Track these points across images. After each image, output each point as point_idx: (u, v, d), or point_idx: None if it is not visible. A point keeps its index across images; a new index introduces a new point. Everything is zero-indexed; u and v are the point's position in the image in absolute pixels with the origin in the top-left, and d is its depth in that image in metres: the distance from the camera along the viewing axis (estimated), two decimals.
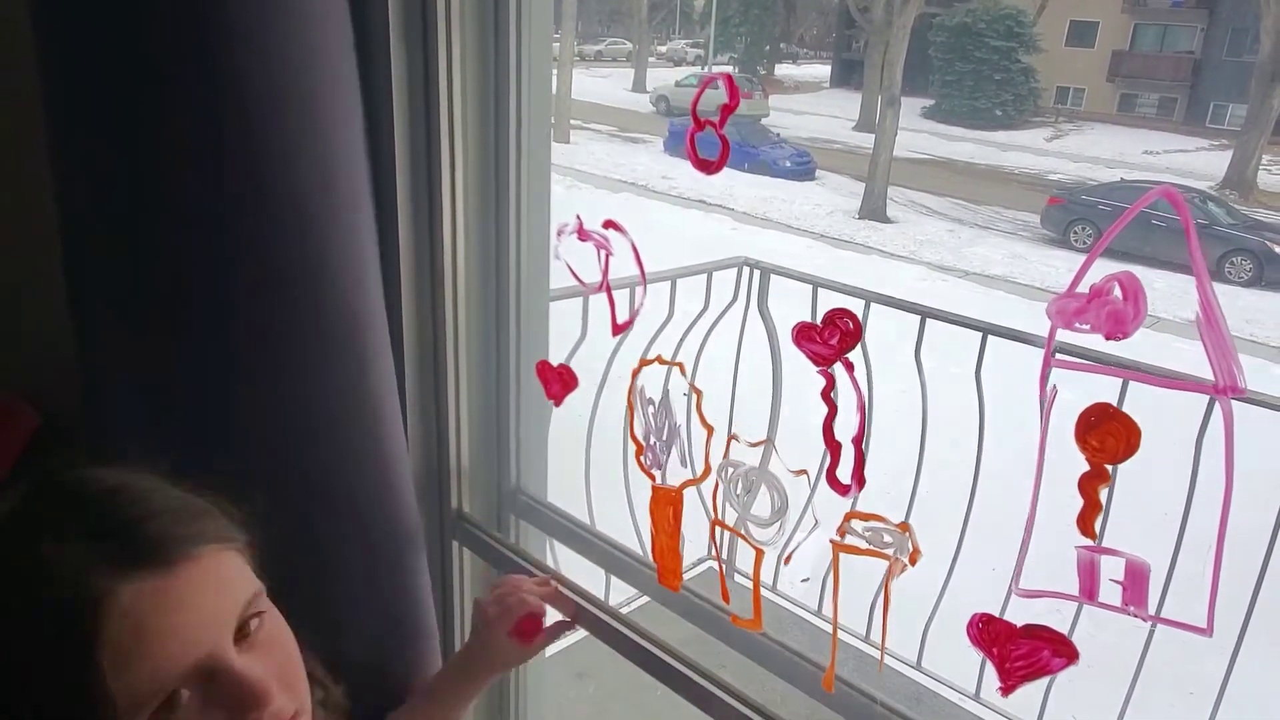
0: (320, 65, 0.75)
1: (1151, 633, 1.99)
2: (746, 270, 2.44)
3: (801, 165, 12.57)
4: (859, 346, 0.65)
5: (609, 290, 0.78)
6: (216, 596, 0.54)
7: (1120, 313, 0.52)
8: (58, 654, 0.50)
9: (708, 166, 0.69)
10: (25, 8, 0.78)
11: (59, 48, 0.79)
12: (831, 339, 0.65)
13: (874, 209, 10.88)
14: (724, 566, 0.94)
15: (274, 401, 0.82)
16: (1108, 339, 0.53)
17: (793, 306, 2.37)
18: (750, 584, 0.78)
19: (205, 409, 0.83)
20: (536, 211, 0.97)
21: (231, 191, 0.75)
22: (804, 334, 0.66)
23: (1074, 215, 10.11)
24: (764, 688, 0.85)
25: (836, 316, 0.65)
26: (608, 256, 0.78)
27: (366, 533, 0.91)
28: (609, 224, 0.77)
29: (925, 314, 2.12)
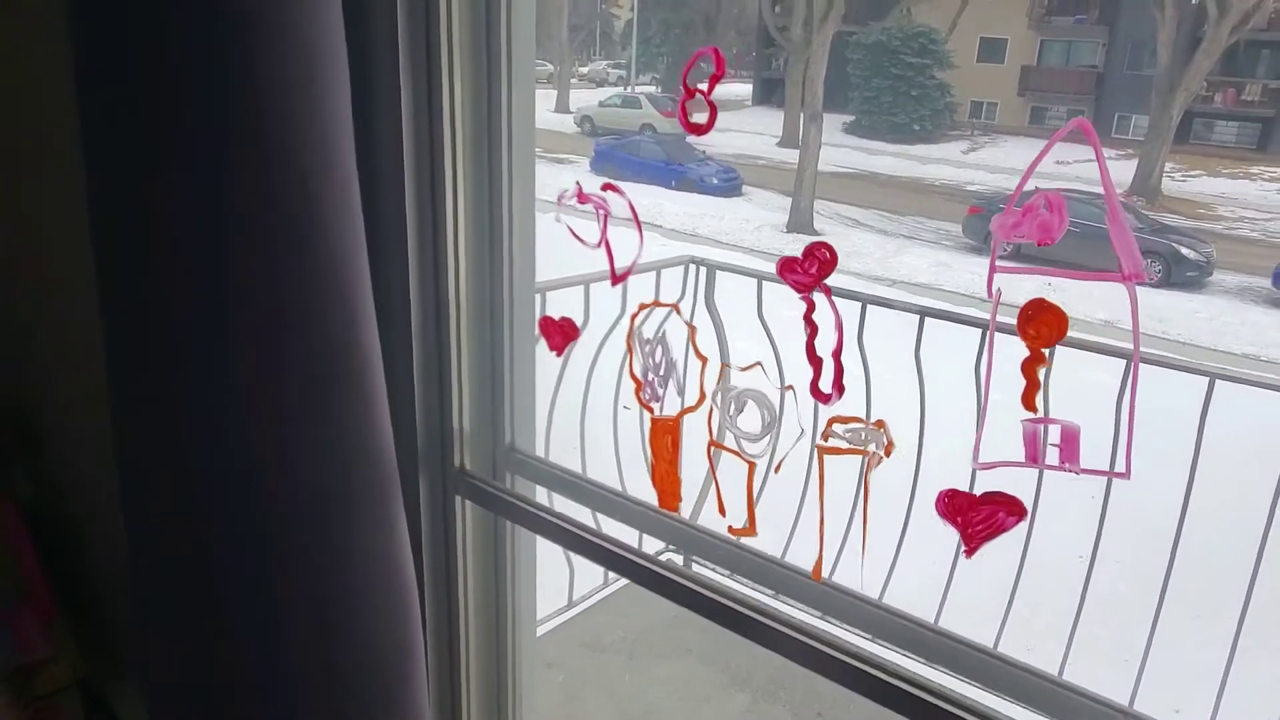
0: (321, 61, 0.83)
1: (1081, 606, 2.16)
2: (693, 267, 2.56)
3: (728, 181, 12.83)
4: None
5: (608, 246, 0.89)
6: None
7: (1047, 222, 0.64)
8: None
9: (699, 129, 0.80)
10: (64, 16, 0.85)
11: (92, 52, 0.86)
12: (811, 268, 0.77)
13: (801, 222, 11.19)
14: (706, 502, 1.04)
15: (266, 367, 0.89)
16: (1040, 245, 0.65)
17: (735, 303, 2.52)
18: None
19: (207, 374, 0.90)
20: (524, 201, 1.06)
21: (239, 174, 0.82)
22: (786, 266, 0.78)
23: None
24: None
25: (815, 249, 0.76)
26: (605, 216, 0.89)
27: (350, 486, 0.98)
28: (607, 186, 0.88)
29: (866, 300, 2.28)
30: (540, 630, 2.33)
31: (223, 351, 0.89)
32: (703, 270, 2.54)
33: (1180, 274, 8.69)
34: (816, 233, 11.08)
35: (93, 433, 1.10)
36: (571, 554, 2.50)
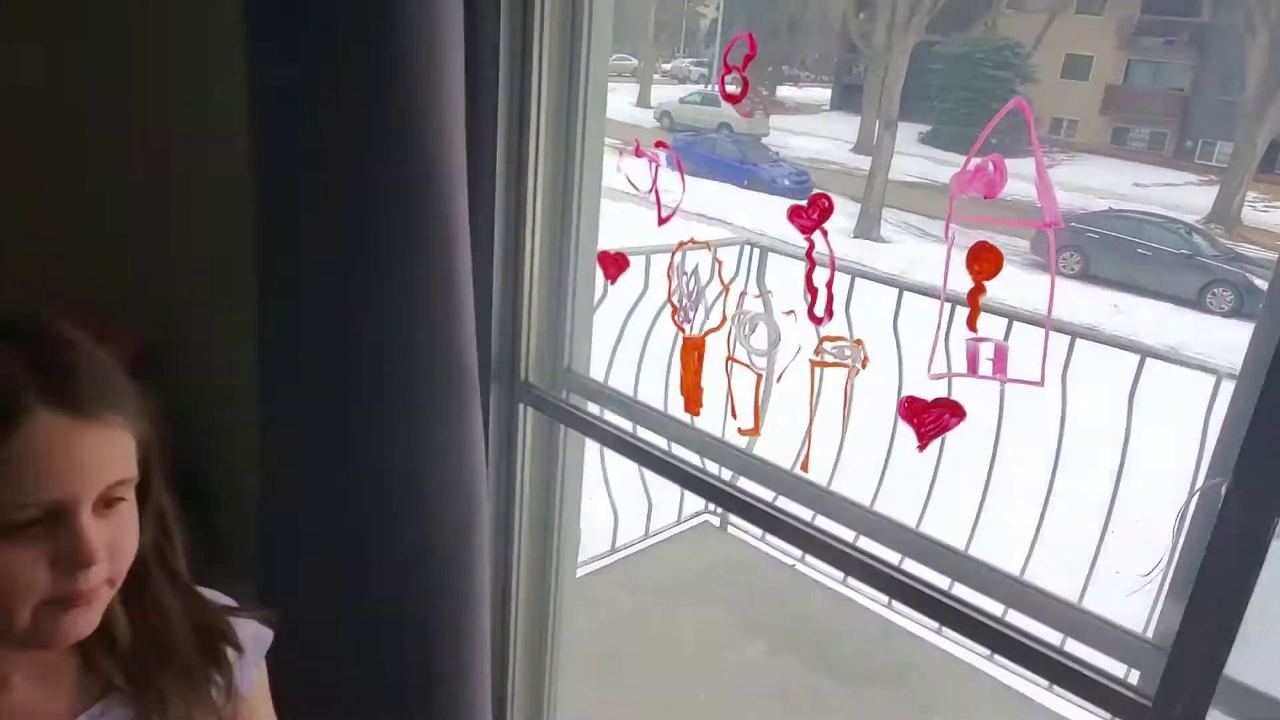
0: (446, 59, 1.06)
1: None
2: (748, 249, 2.76)
3: (799, 184, 12.92)
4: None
5: (657, 193, 1.10)
6: (101, 461, 0.61)
7: (991, 180, 0.84)
8: None
9: (733, 98, 1.01)
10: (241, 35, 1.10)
11: (265, 57, 1.10)
12: (813, 214, 0.97)
13: (868, 229, 11.24)
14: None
15: (385, 284, 1.13)
16: (986, 198, 0.84)
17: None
18: None
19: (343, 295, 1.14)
20: (592, 163, 1.29)
21: (379, 141, 1.05)
22: (795, 212, 0.98)
23: (1063, 242, 10.48)
24: None
25: (818, 198, 0.97)
26: (656, 168, 1.10)
27: (439, 386, 1.20)
28: (659, 144, 1.09)
29: (903, 287, 2.46)
30: (583, 571, 2.56)
31: (359, 269, 1.13)
32: (756, 251, 2.74)
33: (1253, 304, 8.54)
34: (883, 239, 11.11)
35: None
36: (616, 504, 2.73)
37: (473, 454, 1.25)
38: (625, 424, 1.31)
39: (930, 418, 0.92)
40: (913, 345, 2.39)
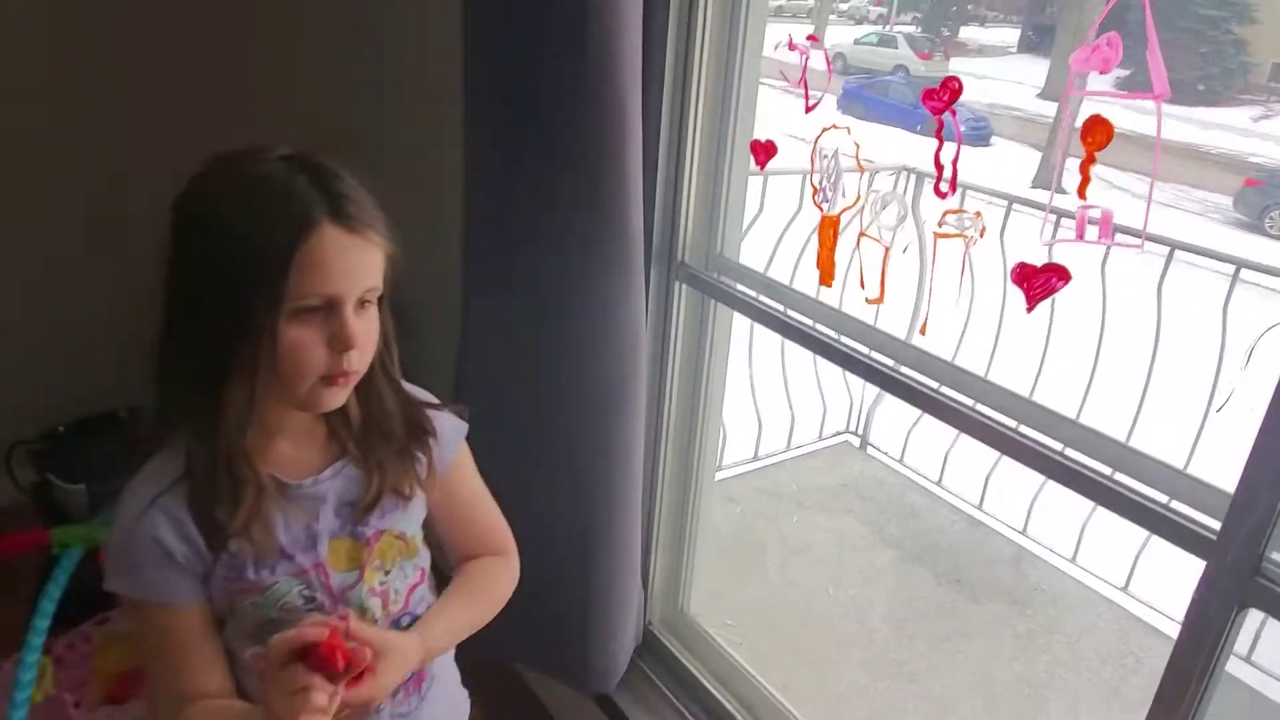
0: None
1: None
2: (905, 174, 2.81)
3: (977, 130, 12.31)
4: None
5: (805, 83, 1.23)
6: (363, 268, 0.78)
7: (1107, 56, 0.92)
8: (277, 242, 0.74)
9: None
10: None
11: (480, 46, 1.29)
12: (944, 96, 1.08)
13: (1049, 178, 10.65)
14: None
15: (567, 168, 1.32)
16: (1101, 73, 0.93)
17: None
18: None
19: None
20: (750, 76, 1.42)
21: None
22: (928, 95, 1.09)
23: (1272, 200, 9.56)
24: None
25: (949, 81, 1.07)
26: (806, 59, 1.23)
27: (612, 261, 1.39)
28: (810, 38, 1.22)
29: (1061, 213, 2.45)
30: (724, 475, 2.75)
31: (547, 158, 1.32)
32: (913, 177, 2.79)
33: None
34: (1063, 191, 10.52)
35: None
36: (759, 410, 2.88)
37: (635, 324, 1.43)
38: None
39: (1039, 281, 1.03)
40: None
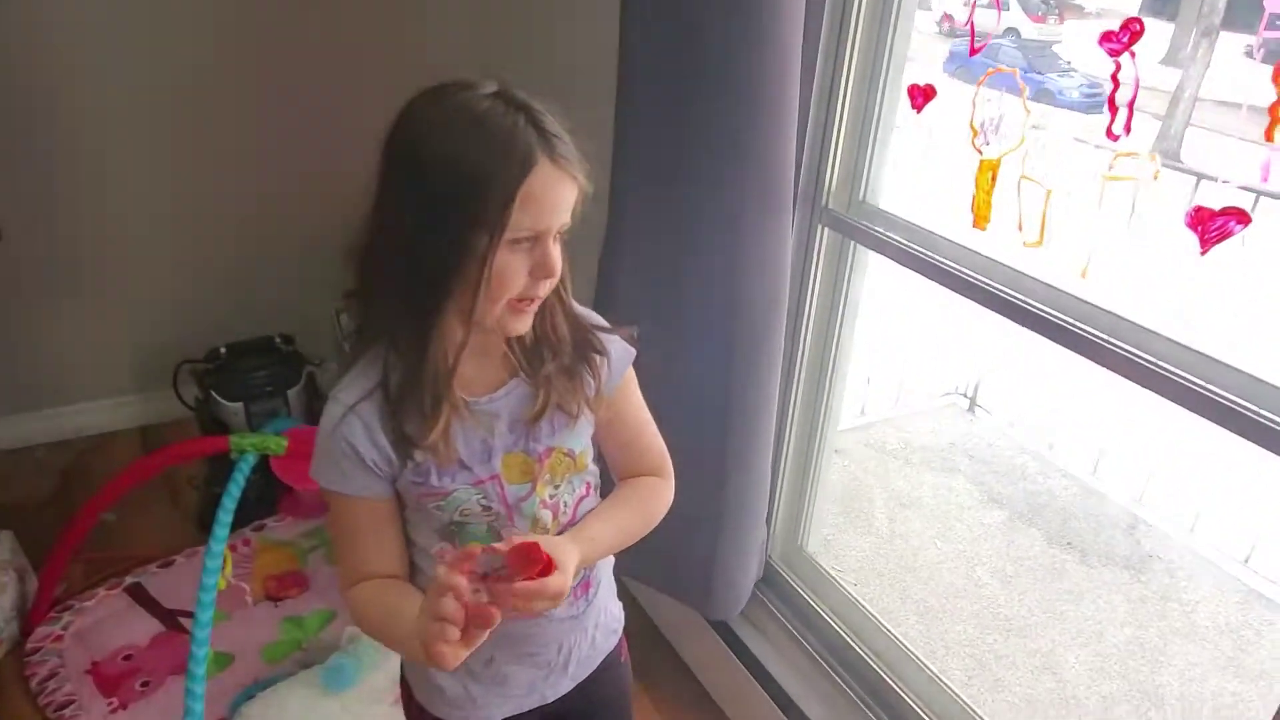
0: None
1: None
2: None
3: (1090, 97, 11.80)
4: None
5: (972, 26, 1.25)
6: (566, 203, 0.83)
7: None
8: (501, 178, 0.78)
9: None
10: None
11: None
12: (1123, 38, 1.08)
13: (1167, 149, 10.14)
14: None
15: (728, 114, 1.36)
16: None
17: None
18: None
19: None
20: (904, 16, 1.43)
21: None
22: (1105, 36, 1.10)
23: None
24: None
25: (1129, 23, 1.08)
26: (974, 4, 1.25)
27: (765, 199, 1.43)
28: None
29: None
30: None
31: (705, 94, 1.37)
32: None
33: None
34: (1181, 163, 10.04)
35: None
36: (869, 375, 2.90)
37: (780, 265, 1.48)
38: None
39: (1215, 224, 1.03)
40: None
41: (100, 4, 2.24)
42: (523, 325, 0.89)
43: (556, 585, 0.81)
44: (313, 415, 2.38)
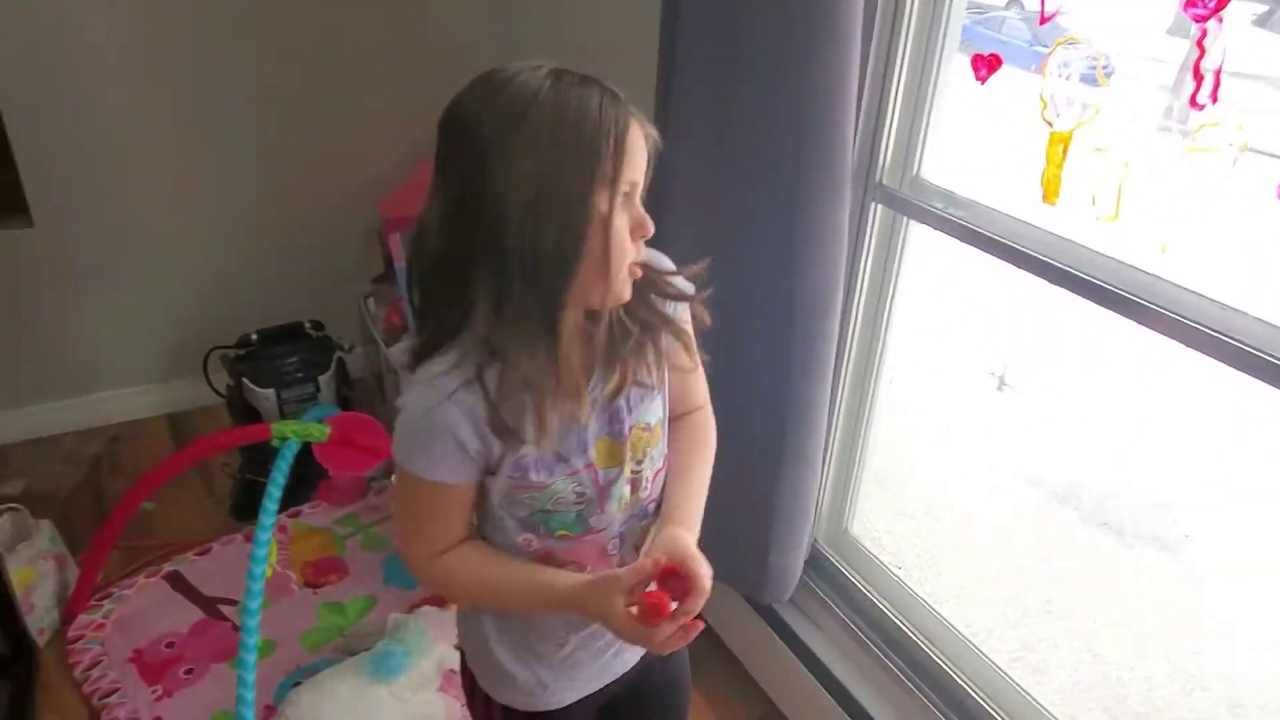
0: None
1: None
2: None
3: (1093, 70, 11.73)
4: None
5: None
6: (646, 158, 0.82)
7: None
8: (612, 129, 0.77)
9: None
10: None
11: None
12: (1209, 2, 1.05)
13: (1172, 125, 10.09)
14: None
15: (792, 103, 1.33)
16: None
17: None
18: None
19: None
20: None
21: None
22: (1191, 2, 1.06)
23: None
24: None
25: None
26: None
27: (824, 178, 1.40)
28: None
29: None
30: None
31: (767, 72, 1.34)
32: None
33: None
34: (1188, 133, 9.95)
35: None
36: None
37: (838, 243, 1.45)
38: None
39: None
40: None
41: (132, 4, 2.23)
42: (629, 291, 0.86)
43: (695, 602, 0.84)
44: (344, 401, 2.36)
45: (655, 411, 0.97)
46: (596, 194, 0.77)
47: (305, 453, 1.83)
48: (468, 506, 0.93)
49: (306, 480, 2.19)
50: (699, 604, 0.85)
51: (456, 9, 2.40)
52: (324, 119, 2.44)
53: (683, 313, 0.97)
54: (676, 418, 1.05)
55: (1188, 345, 1.15)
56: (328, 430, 1.75)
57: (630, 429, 0.93)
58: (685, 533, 0.93)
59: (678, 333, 0.95)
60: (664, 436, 1.00)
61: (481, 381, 0.83)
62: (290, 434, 1.72)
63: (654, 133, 0.83)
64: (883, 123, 1.50)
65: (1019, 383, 3.09)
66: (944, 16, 1.41)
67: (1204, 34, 1.06)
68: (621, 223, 0.80)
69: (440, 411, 0.83)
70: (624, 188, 0.79)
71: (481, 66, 0.82)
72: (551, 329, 0.79)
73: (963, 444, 2.86)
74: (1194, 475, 2.63)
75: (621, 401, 0.92)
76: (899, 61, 1.45)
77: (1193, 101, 1.09)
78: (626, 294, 0.86)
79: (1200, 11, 1.06)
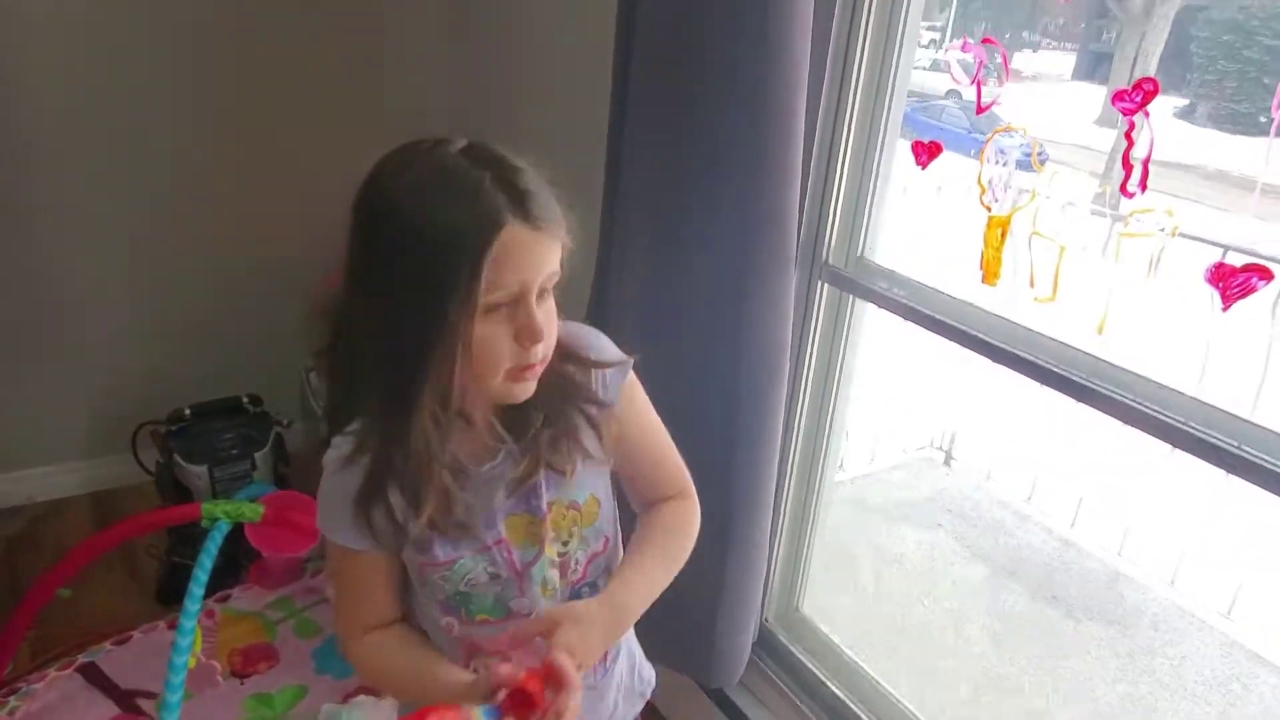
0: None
1: None
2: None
3: (1029, 156, 12.30)
4: None
5: (979, 84, 1.26)
6: (545, 260, 0.78)
7: None
8: (466, 243, 0.73)
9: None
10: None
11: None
12: (1136, 97, 1.09)
13: (1106, 201, 10.55)
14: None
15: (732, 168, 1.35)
16: None
17: None
18: None
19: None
20: (902, 78, 1.44)
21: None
22: (1119, 96, 1.11)
23: None
24: None
25: (1142, 82, 1.09)
26: (980, 64, 1.25)
27: (762, 257, 1.41)
28: (986, 40, 1.24)
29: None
30: None
31: (724, 150, 1.35)
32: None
33: None
34: (1121, 217, 10.43)
35: None
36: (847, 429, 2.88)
37: (783, 322, 1.46)
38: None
39: (1237, 280, 1.03)
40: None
41: (58, 54, 2.17)
42: (525, 392, 0.85)
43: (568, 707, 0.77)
44: (281, 478, 2.28)
45: (586, 489, 0.94)
46: (447, 305, 0.75)
47: (236, 533, 1.75)
48: (390, 583, 0.92)
49: (237, 561, 2.09)
50: (568, 701, 0.77)
51: (414, 71, 2.40)
52: (266, 183, 2.38)
53: (613, 395, 0.94)
54: (650, 504, 1.03)
55: (1122, 420, 1.17)
56: (261, 509, 1.68)
57: (550, 506, 0.91)
58: (584, 609, 0.87)
59: (594, 425, 0.92)
60: (606, 517, 0.97)
61: (376, 472, 0.84)
62: (222, 514, 1.65)
63: (561, 236, 0.80)
64: (828, 205, 1.53)
65: (966, 457, 3.12)
66: (885, 105, 1.45)
67: (1131, 126, 1.11)
68: (490, 332, 0.78)
69: (342, 474, 0.85)
70: (492, 299, 0.76)
71: (438, 130, 0.82)
72: (404, 428, 0.80)
73: (911, 518, 2.86)
74: (1140, 547, 2.66)
75: (539, 479, 0.90)
76: (843, 148, 1.49)
77: (1123, 189, 1.12)
78: (519, 394, 0.84)
79: (1128, 105, 1.10)
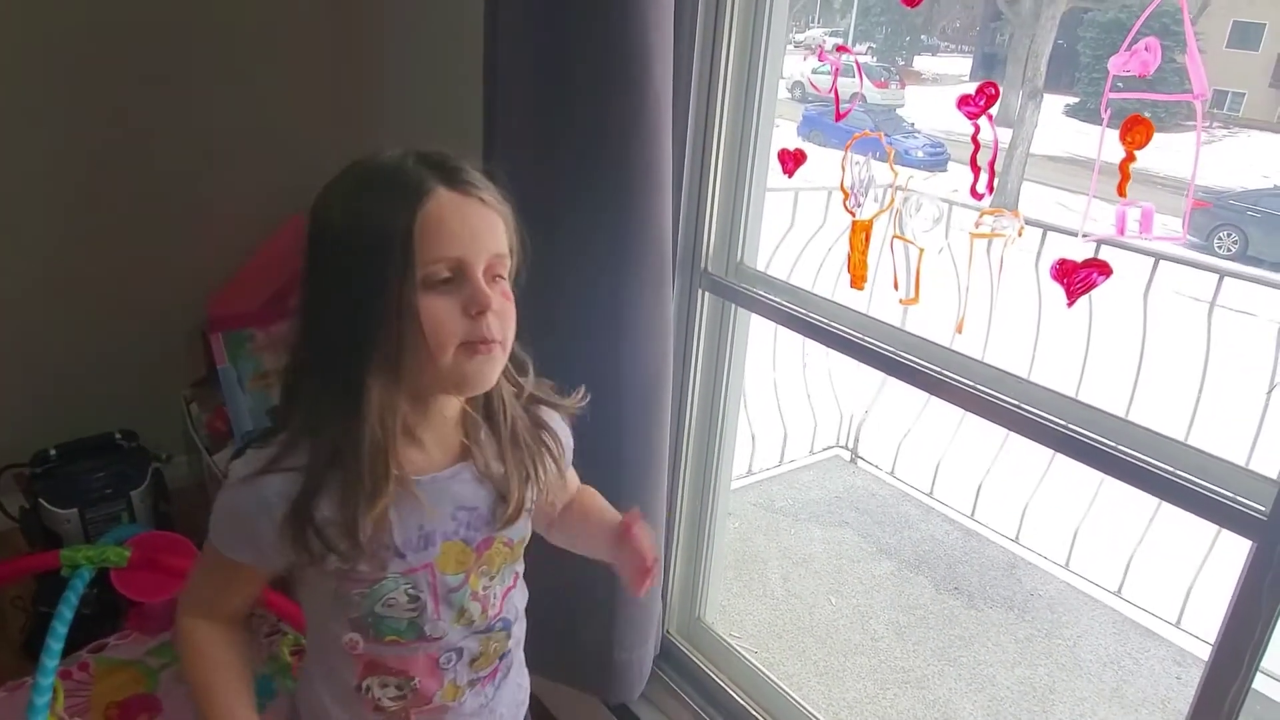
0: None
1: None
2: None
3: (934, 156, 12.61)
4: None
5: (836, 92, 1.27)
6: (486, 231, 0.79)
7: (1146, 60, 0.97)
8: (397, 214, 0.75)
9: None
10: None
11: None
12: (980, 101, 1.11)
13: (1007, 202, 10.93)
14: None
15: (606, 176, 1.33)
16: (1140, 76, 0.98)
17: None
18: None
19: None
20: (769, 82, 1.45)
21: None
22: (964, 101, 1.13)
23: (1219, 220, 9.90)
24: None
25: (985, 87, 1.11)
26: (836, 70, 1.27)
27: (642, 266, 1.40)
28: (840, 48, 1.25)
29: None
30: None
31: (581, 168, 1.33)
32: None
33: None
34: (1019, 215, 10.81)
35: None
36: (754, 432, 2.90)
37: (664, 331, 1.44)
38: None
39: (1080, 276, 1.06)
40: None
41: None
42: (484, 374, 0.82)
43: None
44: (163, 516, 2.17)
45: (521, 529, 0.95)
46: (388, 282, 0.75)
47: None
48: (254, 593, 0.92)
49: (115, 607, 1.97)
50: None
51: (294, 96, 2.32)
52: (138, 211, 2.27)
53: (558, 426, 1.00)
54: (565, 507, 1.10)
55: (981, 416, 1.19)
56: (127, 553, 1.59)
57: (489, 540, 0.90)
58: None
59: (556, 463, 0.97)
60: (521, 557, 0.98)
61: (308, 470, 0.81)
62: (83, 560, 1.55)
63: (500, 207, 0.81)
64: (704, 212, 1.52)
65: (872, 454, 3.18)
66: (755, 109, 1.46)
67: (977, 129, 1.13)
68: (437, 304, 0.77)
69: (242, 493, 0.82)
70: (433, 271, 0.76)
71: (322, 157, 0.84)
72: (352, 416, 0.79)
73: (819, 518, 2.90)
74: (1034, 532, 2.74)
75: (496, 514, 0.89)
76: (714, 153, 1.48)
77: (972, 191, 1.14)
78: (474, 376, 0.81)
79: (972, 109, 1.12)
